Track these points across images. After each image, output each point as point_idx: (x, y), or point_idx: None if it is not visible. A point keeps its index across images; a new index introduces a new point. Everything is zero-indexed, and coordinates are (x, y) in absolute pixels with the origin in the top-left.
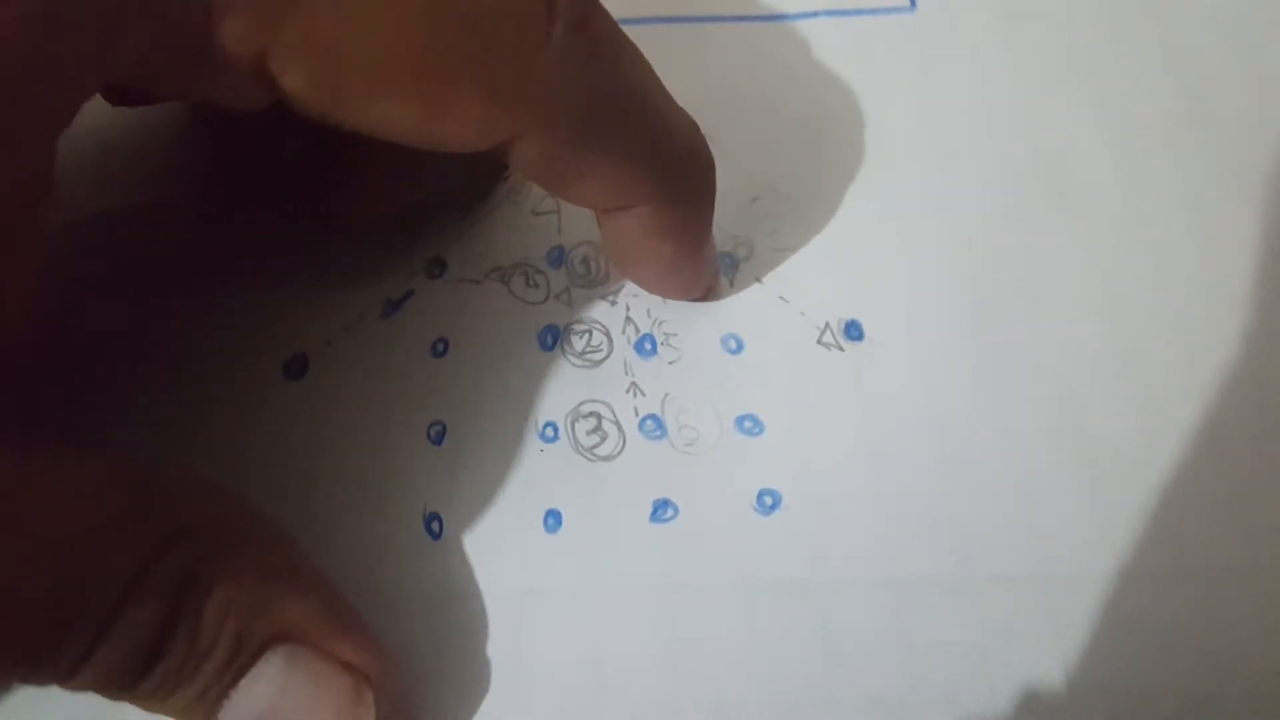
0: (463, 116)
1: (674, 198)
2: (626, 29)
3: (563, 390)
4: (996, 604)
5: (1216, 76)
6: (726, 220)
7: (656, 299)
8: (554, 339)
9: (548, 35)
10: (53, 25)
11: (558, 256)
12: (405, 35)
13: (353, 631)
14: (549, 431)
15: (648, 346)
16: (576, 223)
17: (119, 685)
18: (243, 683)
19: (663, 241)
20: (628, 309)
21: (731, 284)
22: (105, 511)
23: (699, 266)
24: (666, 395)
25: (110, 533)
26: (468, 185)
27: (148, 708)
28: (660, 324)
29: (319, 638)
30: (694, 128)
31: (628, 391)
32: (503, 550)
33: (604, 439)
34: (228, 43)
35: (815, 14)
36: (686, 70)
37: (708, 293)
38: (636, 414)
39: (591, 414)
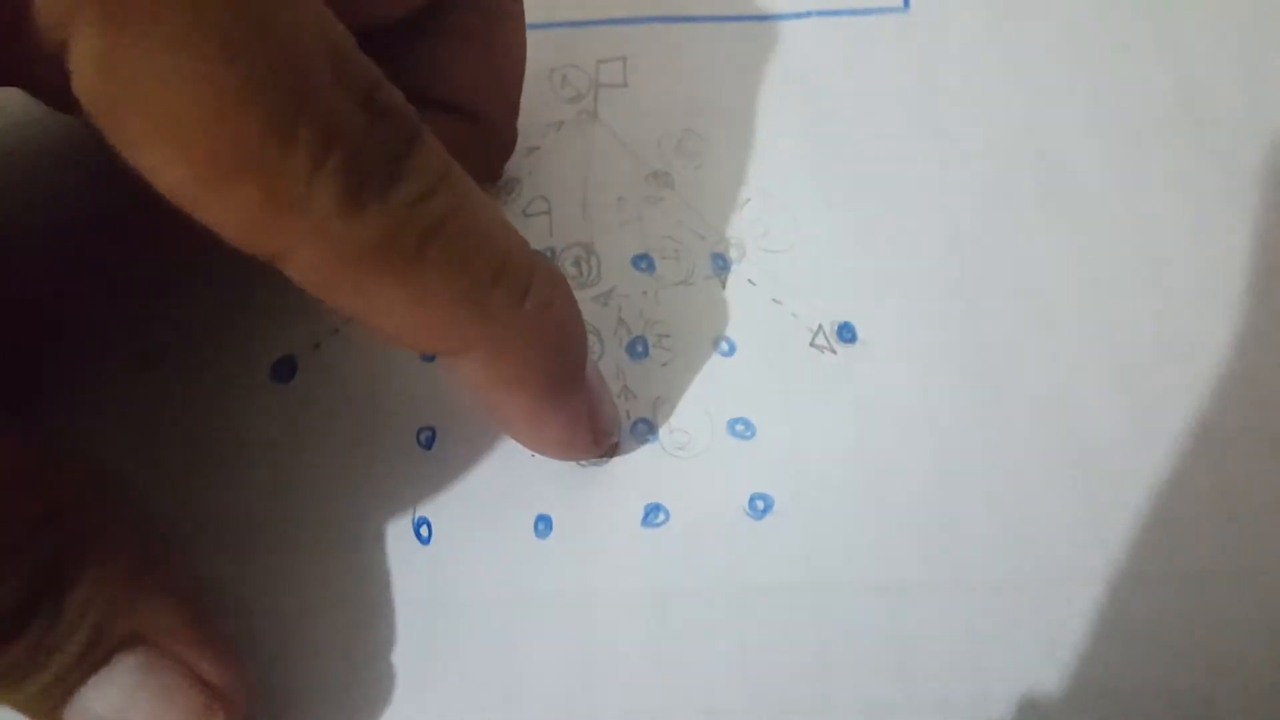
0: (237, 204)
1: (508, 343)
2: (619, 29)
3: None
4: (989, 607)
5: (1211, 75)
6: (718, 221)
7: (650, 300)
8: None
9: (344, 149)
10: None
11: (549, 258)
12: (206, 91)
13: (213, 644)
14: None
15: (639, 349)
16: (568, 224)
17: None
18: (92, 680)
19: (508, 393)
20: (620, 310)
21: (724, 286)
22: None
23: (568, 423)
24: (658, 398)
25: None
26: None
27: None
28: (652, 326)
29: (178, 645)
30: (530, 255)
31: (619, 395)
32: (492, 555)
33: None
34: (37, 21)
35: (808, 14)
36: (679, 70)
37: (609, 450)
38: (628, 417)
39: None
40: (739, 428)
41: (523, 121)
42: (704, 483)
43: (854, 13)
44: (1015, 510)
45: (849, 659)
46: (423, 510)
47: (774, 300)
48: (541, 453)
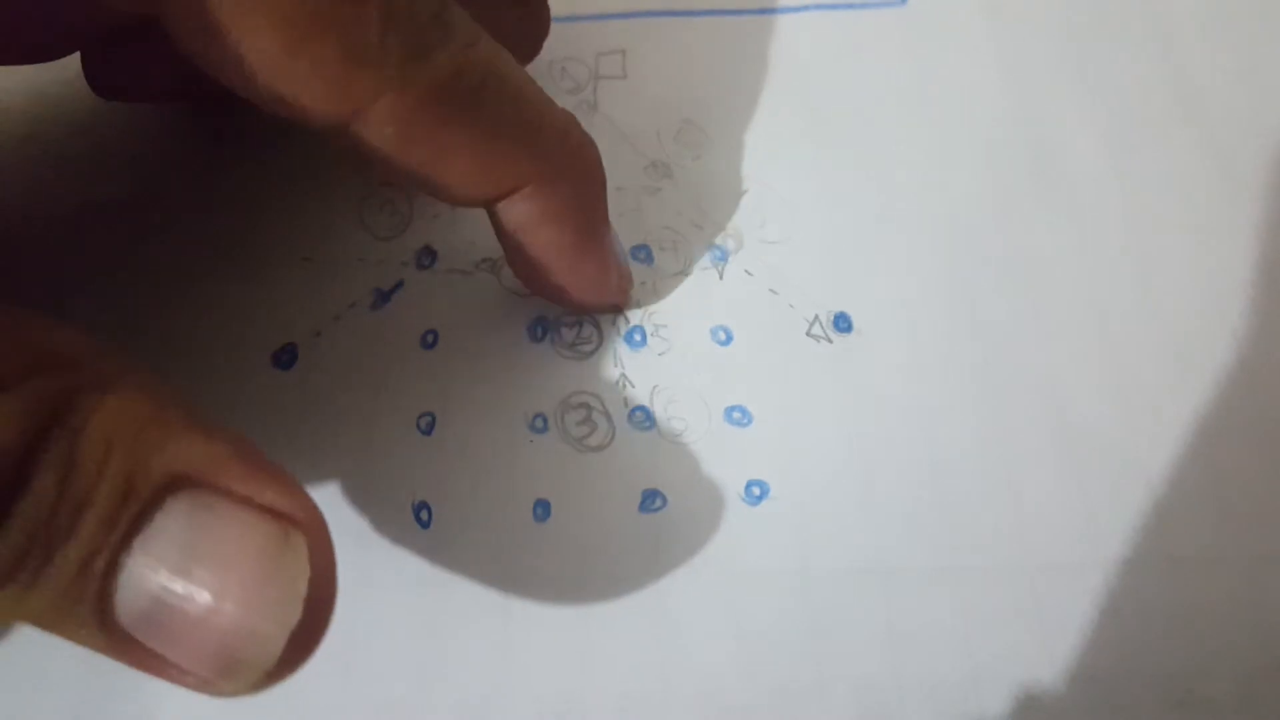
0: (321, 63)
1: (557, 175)
2: (618, 23)
3: (552, 381)
4: (982, 593)
5: (1207, 71)
6: (716, 212)
7: (648, 290)
8: (544, 330)
9: (410, 12)
10: None
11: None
12: None
13: (268, 468)
14: (538, 422)
15: (637, 338)
16: None
17: None
18: (138, 542)
19: (556, 228)
20: None
21: (721, 276)
22: None
23: (602, 260)
24: (656, 386)
25: None
26: None
27: (14, 611)
28: (650, 315)
29: (229, 477)
30: (569, 115)
31: (617, 383)
32: (492, 540)
33: (593, 430)
34: None
35: (806, 8)
36: (678, 63)
37: (621, 297)
38: (626, 405)
39: (581, 405)
40: (736, 415)
41: None
42: (701, 469)
43: (851, 6)
44: (1008, 497)
45: (842, 643)
46: (423, 495)
47: (771, 290)
48: (577, 297)
